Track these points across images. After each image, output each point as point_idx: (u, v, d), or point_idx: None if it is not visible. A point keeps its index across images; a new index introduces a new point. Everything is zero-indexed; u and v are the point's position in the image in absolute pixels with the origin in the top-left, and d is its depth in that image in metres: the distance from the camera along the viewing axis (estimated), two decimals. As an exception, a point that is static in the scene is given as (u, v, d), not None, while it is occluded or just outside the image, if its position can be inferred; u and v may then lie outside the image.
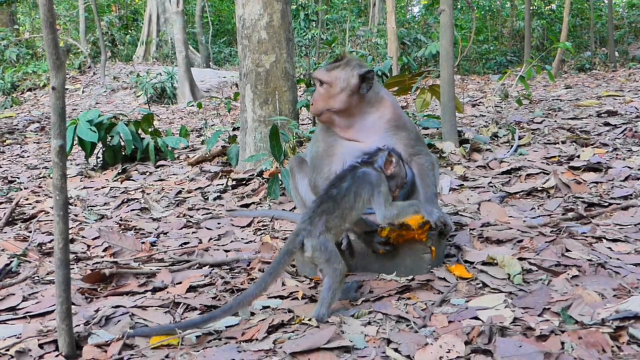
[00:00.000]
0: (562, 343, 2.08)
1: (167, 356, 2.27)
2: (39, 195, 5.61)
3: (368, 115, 3.11)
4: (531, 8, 19.31)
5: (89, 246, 3.99)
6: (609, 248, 3.05)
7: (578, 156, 4.95)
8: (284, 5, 5.54)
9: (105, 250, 3.82)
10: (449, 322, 2.39)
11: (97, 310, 2.75)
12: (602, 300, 2.42)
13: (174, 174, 6.18)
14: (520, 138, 5.81)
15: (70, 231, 4.31)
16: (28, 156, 8.50)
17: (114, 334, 2.48)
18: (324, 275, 2.59)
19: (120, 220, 4.61)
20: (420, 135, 3.33)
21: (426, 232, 2.88)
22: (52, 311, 2.74)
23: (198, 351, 2.28)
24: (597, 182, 4.26)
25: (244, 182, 5.36)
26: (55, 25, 2.23)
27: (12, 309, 2.89)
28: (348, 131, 3.12)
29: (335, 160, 3.08)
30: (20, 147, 9.44)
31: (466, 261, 3.05)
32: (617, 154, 4.88)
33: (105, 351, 2.34)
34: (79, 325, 2.57)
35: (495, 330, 2.22)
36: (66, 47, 2.19)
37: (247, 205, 4.82)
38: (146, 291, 3.06)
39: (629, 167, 4.45)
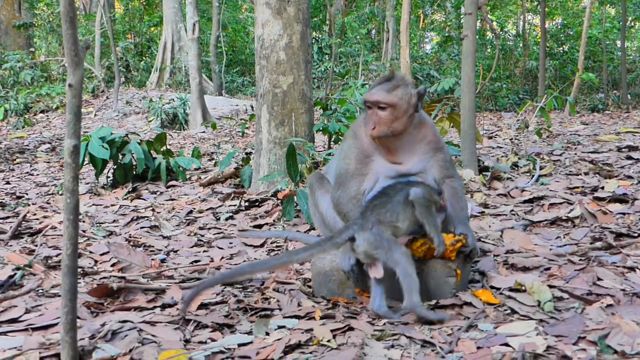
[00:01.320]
0: (603, 373, 1.93)
1: (176, 373, 2.13)
2: (46, 211, 5.50)
3: (411, 136, 2.96)
4: (545, 49, 19.38)
5: (96, 261, 3.87)
6: (643, 278, 2.90)
7: (602, 187, 4.81)
8: (304, 27, 5.49)
9: (113, 265, 3.70)
10: (478, 348, 2.24)
11: (103, 325, 2.61)
12: (641, 331, 2.27)
13: (185, 194, 6.07)
14: (541, 168, 5.69)
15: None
16: (37, 174, 8.41)
17: (120, 348, 2.34)
18: (392, 266, 2.51)
19: (129, 237, 4.49)
20: (452, 158, 3.22)
21: (456, 250, 2.76)
22: (56, 324, 2.61)
23: (209, 369, 2.14)
24: (623, 213, 4.13)
25: (257, 203, 5.24)
26: (76, 20, 2.14)
27: (14, 320, 2.74)
28: (390, 151, 2.96)
29: (367, 179, 2.93)
30: (30, 166, 9.37)
31: (492, 287, 2.91)
32: (642, 187, 4.76)
33: (111, 366, 2.21)
34: (84, 339, 2.44)
35: (528, 357, 2.08)
36: (85, 43, 2.09)
37: (260, 226, 4.69)
38: (155, 307, 2.92)
39: (655, 200, 4.32)
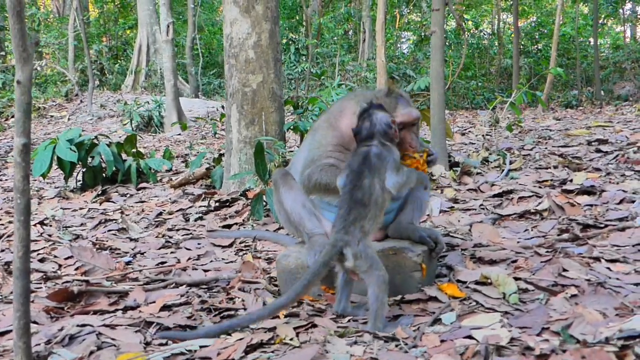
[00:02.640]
0: (564, 363, 1.91)
1: (133, 376, 2.08)
2: (12, 216, 5.39)
3: None
4: (519, 47, 19.53)
5: (60, 265, 3.80)
6: (608, 268, 2.90)
7: (571, 180, 4.83)
8: (273, 25, 5.44)
9: (77, 269, 3.62)
10: (441, 341, 2.21)
11: (60, 329, 2.54)
12: (604, 319, 2.26)
13: (155, 196, 5.99)
14: (511, 163, 5.70)
15: (41, 250, 4.14)
16: (6, 179, 8.26)
17: (77, 353, 2.28)
18: (367, 285, 2.42)
19: (96, 240, 4.42)
20: None
21: (425, 162, 2.81)
22: (11, 330, 2.54)
23: (168, 371, 2.09)
24: (591, 205, 4.14)
25: (227, 203, 5.18)
26: (23, 14, 2.08)
27: (-32, 326, 2.68)
28: None
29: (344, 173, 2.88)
30: (0, 171, 9.22)
31: (458, 280, 2.89)
32: (610, 179, 4.77)
33: (66, 371, 2.15)
34: (40, 344, 2.37)
35: (491, 350, 2.05)
36: (34, 39, 2.03)
37: (229, 226, 4.64)
38: (117, 310, 2.86)
39: (623, 191, 4.33)
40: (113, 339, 2.45)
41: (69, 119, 16.80)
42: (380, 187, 2.48)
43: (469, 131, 9.60)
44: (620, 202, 4.14)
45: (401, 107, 2.80)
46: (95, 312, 2.83)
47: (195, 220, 4.88)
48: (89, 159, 6.46)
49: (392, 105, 2.79)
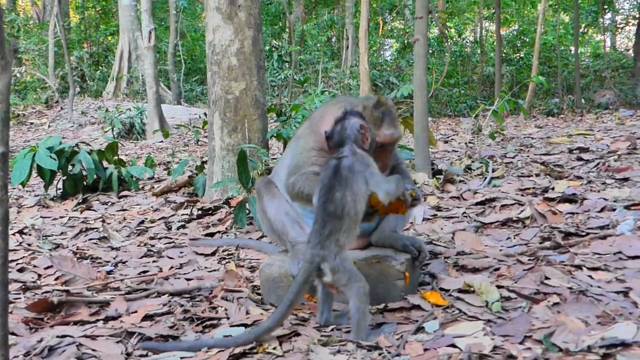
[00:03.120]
0: (547, 371, 1.92)
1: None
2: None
3: None
4: (501, 55, 19.68)
5: (39, 275, 3.73)
6: (589, 276, 2.92)
7: (552, 188, 4.86)
8: (256, 33, 5.44)
9: (57, 279, 3.57)
10: (424, 350, 2.22)
11: (40, 340, 2.51)
12: (586, 328, 2.28)
13: (137, 205, 5.94)
14: (493, 170, 5.73)
15: (21, 260, 4.08)
16: (-14, 187, 8.16)
17: (57, 364, 2.25)
18: (347, 298, 2.40)
19: (77, 249, 4.36)
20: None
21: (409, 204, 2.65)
22: (-10, 342, 2.50)
23: (149, 382, 2.06)
24: (573, 213, 4.16)
25: (210, 211, 5.15)
26: (2, 20, 2.06)
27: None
28: None
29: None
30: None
31: (441, 289, 2.90)
32: (591, 187, 4.81)
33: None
34: (18, 356, 2.33)
35: (474, 358, 2.06)
36: (13, 46, 2.00)
37: (212, 235, 4.61)
38: (97, 320, 2.83)
39: (604, 199, 4.37)
40: (94, 350, 2.43)
41: (49, 126, 16.65)
42: (352, 200, 2.45)
43: (452, 139, 9.65)
44: (602, 210, 4.17)
45: (386, 126, 2.76)
46: (75, 323, 2.79)
47: (178, 228, 4.85)
48: (70, 167, 6.39)
49: (379, 120, 2.76)
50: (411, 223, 4.26)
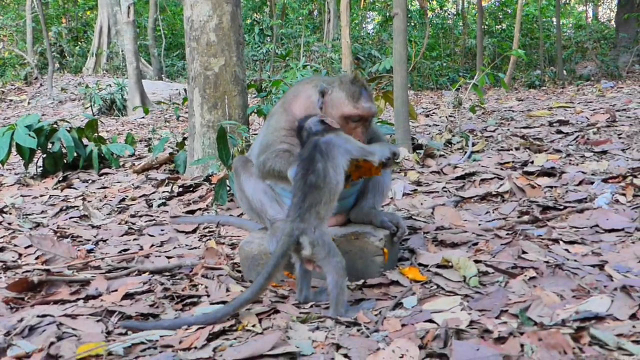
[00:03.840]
0: (522, 345, 1.95)
1: (94, 367, 2.06)
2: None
3: None
4: (483, 27, 19.63)
5: (20, 254, 3.72)
6: (566, 250, 2.97)
7: (532, 162, 4.90)
8: (234, 8, 5.37)
9: (37, 258, 3.56)
10: (402, 325, 2.24)
11: (20, 320, 2.50)
12: (561, 301, 2.32)
13: (118, 182, 5.91)
14: (474, 145, 5.76)
15: (1, 239, 4.05)
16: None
17: (37, 344, 2.25)
18: (324, 273, 2.42)
19: (57, 228, 4.34)
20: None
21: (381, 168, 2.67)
22: (-31, 323, 2.50)
23: (129, 360, 2.08)
24: (551, 187, 4.21)
25: (191, 188, 5.14)
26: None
27: None
28: None
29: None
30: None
31: (420, 264, 2.92)
32: (570, 160, 4.86)
33: (26, 363, 2.12)
34: (-1, 336, 2.33)
35: (451, 333, 2.08)
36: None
37: (193, 212, 4.60)
38: (78, 299, 2.83)
39: (582, 172, 4.42)
40: (74, 329, 2.43)
41: (29, 103, 16.45)
42: (333, 171, 2.47)
43: (433, 112, 9.66)
44: (580, 183, 4.21)
45: (364, 99, 2.76)
46: (56, 302, 2.79)
47: (159, 206, 4.83)
48: (49, 145, 6.33)
49: (357, 94, 2.76)
50: (391, 198, 4.28)
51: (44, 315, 2.55)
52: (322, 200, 2.44)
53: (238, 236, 3.87)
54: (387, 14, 24.88)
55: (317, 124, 2.63)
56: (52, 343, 2.25)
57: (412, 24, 24.32)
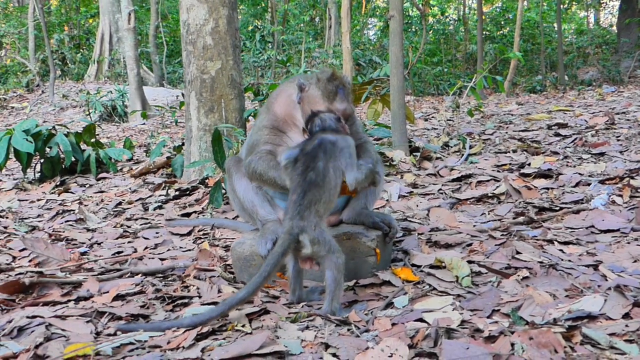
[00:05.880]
0: (512, 344, 1.93)
1: (81, 368, 2.04)
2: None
3: None
4: (484, 33, 19.63)
5: (14, 257, 3.71)
6: (560, 250, 2.95)
7: (529, 164, 4.89)
8: (230, 11, 5.37)
9: (30, 261, 3.55)
10: (393, 325, 2.22)
11: (10, 321, 2.49)
12: (553, 301, 2.30)
13: (115, 186, 5.90)
14: (471, 147, 5.74)
15: (-4, 243, 4.04)
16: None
17: (25, 344, 2.23)
18: (323, 269, 2.39)
19: (53, 231, 4.33)
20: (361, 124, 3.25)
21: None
22: (-41, 324, 2.48)
23: (116, 361, 2.06)
24: (548, 188, 4.19)
25: (187, 192, 5.13)
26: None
27: None
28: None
29: (280, 150, 2.84)
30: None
31: (413, 265, 2.91)
32: (567, 162, 4.84)
33: (14, 363, 2.10)
34: (-13, 336, 2.32)
35: (441, 332, 2.06)
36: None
37: (188, 215, 4.59)
38: (69, 301, 2.81)
39: (579, 174, 4.40)
40: (63, 330, 2.41)
41: (30, 110, 16.49)
42: (334, 171, 2.46)
43: (432, 116, 9.64)
44: (577, 185, 4.19)
45: (339, 100, 2.76)
46: (46, 304, 2.78)
47: (155, 209, 4.82)
48: (47, 150, 6.33)
49: (332, 93, 2.75)
50: (387, 200, 4.27)
51: (34, 317, 2.54)
52: (322, 199, 2.43)
53: (232, 238, 3.86)
54: (388, 20, 24.94)
55: (333, 121, 2.62)
56: (40, 343, 2.24)
57: (413, 29, 24.36)
